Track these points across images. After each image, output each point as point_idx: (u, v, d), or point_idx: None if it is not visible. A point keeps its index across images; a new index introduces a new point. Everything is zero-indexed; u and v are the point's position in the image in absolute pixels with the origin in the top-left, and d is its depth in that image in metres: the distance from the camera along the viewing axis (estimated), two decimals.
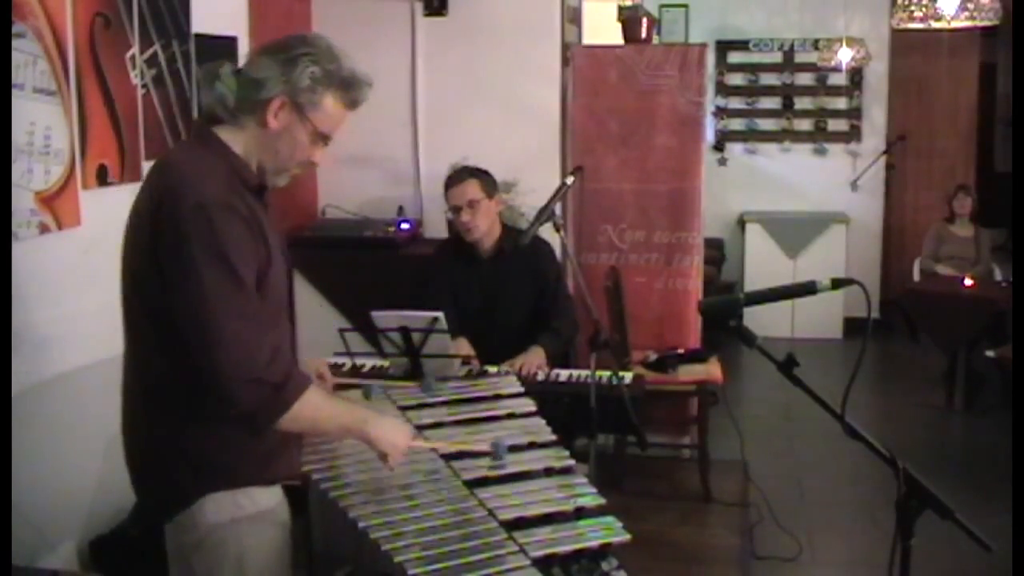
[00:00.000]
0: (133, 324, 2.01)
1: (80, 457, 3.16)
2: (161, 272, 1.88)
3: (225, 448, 1.98)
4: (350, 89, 2.00)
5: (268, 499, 2.07)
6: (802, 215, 7.74)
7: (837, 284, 2.00)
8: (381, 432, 2.10)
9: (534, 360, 3.44)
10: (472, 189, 3.69)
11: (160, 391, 1.97)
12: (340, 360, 3.36)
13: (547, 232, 3.46)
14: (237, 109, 1.99)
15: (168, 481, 2.01)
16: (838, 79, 7.74)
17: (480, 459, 2.43)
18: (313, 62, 1.95)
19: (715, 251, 7.42)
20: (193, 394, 1.91)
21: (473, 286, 3.78)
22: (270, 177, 2.05)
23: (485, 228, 3.72)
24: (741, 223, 7.82)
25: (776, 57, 7.89)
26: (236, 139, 2.01)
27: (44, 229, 3.01)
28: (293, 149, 2.01)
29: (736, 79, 7.98)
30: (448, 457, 2.43)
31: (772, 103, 7.95)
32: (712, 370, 4.50)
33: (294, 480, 2.24)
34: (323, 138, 2.03)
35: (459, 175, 3.76)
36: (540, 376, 3.37)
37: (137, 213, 1.99)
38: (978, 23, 5.26)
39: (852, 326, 7.39)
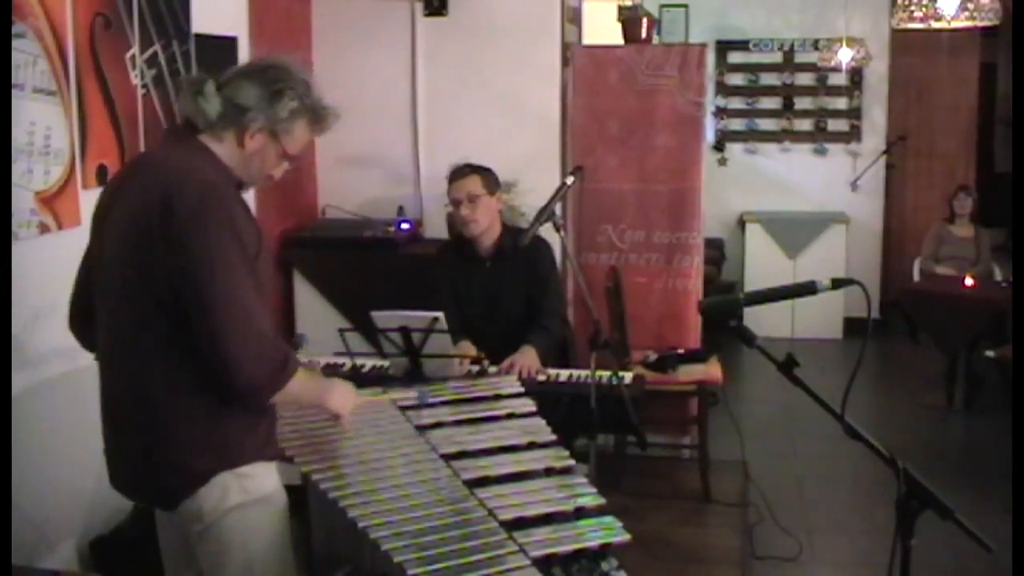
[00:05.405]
0: (141, 320, 2.04)
1: (80, 457, 3.16)
2: (173, 260, 1.96)
3: (236, 427, 2.09)
4: (321, 120, 2.22)
5: (270, 482, 2.16)
6: (802, 215, 7.74)
7: (837, 284, 2.00)
8: (337, 401, 2.41)
9: (525, 360, 3.43)
10: (473, 184, 3.71)
11: (173, 381, 2.03)
12: (340, 360, 3.37)
13: (547, 232, 3.46)
14: (217, 126, 2.13)
15: (181, 467, 2.06)
16: (838, 79, 7.73)
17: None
18: (295, 96, 2.14)
19: (715, 251, 7.41)
20: (204, 379, 2.00)
21: (474, 286, 3.78)
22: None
23: (485, 224, 3.72)
24: (741, 223, 7.82)
25: (776, 57, 7.89)
26: (214, 147, 2.15)
27: (44, 229, 3.01)
28: (263, 166, 2.20)
29: (736, 79, 7.97)
30: (448, 457, 2.43)
31: (772, 103, 7.94)
32: (712, 370, 4.50)
33: (283, 459, 2.36)
34: (290, 159, 2.22)
35: (461, 170, 3.78)
36: (541, 377, 3.37)
37: (132, 213, 2.05)
38: (978, 23, 5.26)
39: (852, 326, 7.38)
